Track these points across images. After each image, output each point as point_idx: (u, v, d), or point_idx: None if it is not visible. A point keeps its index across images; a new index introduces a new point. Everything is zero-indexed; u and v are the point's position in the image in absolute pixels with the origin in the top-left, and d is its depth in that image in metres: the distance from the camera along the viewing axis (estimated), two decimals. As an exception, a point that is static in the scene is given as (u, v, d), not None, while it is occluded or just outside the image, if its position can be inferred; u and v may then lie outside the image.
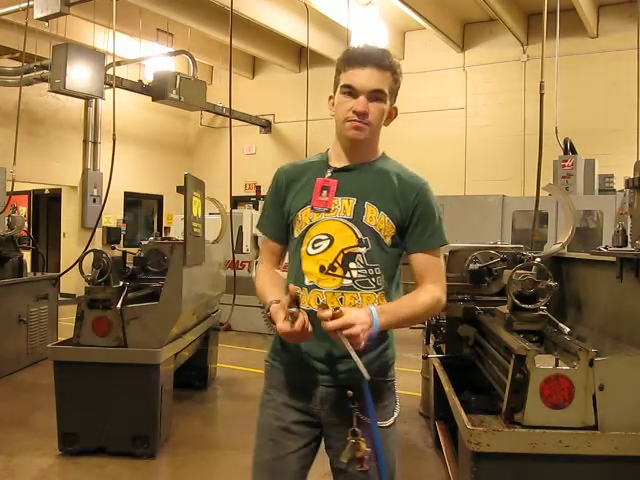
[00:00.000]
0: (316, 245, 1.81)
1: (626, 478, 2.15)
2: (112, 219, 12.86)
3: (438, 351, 3.66)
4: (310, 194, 1.84)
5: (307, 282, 1.81)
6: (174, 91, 10.92)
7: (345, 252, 1.79)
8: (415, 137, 12.34)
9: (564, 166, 8.44)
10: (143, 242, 5.26)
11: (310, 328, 1.66)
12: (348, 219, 1.80)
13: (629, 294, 2.70)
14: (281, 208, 1.91)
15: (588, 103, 10.65)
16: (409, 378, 6.17)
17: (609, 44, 10.57)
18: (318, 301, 1.77)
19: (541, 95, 4.50)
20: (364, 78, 1.75)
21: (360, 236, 1.79)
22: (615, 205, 7.68)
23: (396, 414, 1.89)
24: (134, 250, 5.13)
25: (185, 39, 11.63)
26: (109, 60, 10.23)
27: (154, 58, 11.77)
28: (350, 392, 1.78)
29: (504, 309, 2.73)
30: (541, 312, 2.58)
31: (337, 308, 1.64)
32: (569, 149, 8.62)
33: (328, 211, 1.81)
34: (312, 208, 1.83)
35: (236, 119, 12.30)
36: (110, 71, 9.85)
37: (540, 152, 4.34)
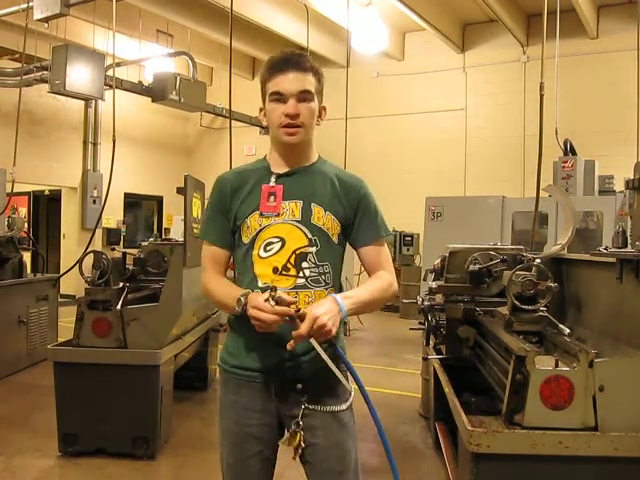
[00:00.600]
0: (268, 248, 1.87)
1: (626, 479, 2.15)
2: (112, 220, 12.87)
3: (438, 352, 3.66)
4: (257, 201, 1.89)
5: (260, 284, 1.85)
6: (174, 92, 10.92)
7: (297, 252, 1.86)
8: (415, 138, 12.36)
9: (564, 167, 8.43)
10: (143, 243, 5.27)
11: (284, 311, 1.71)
12: (297, 221, 1.87)
13: (629, 295, 2.70)
14: (226, 215, 1.94)
15: (588, 104, 10.66)
16: (409, 379, 6.17)
17: (609, 45, 10.57)
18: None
19: (541, 96, 4.51)
20: (289, 82, 1.83)
21: (310, 236, 1.87)
22: (615, 206, 7.66)
23: (349, 402, 1.93)
24: (134, 251, 5.14)
25: (185, 40, 11.63)
26: (109, 61, 10.23)
27: (154, 59, 11.77)
28: (299, 385, 1.86)
29: (504, 310, 2.73)
30: (541, 313, 2.58)
31: (298, 309, 1.72)
32: (569, 150, 8.62)
33: (277, 215, 1.87)
34: (261, 214, 1.87)
35: (236, 120, 12.28)
36: (110, 72, 9.84)
37: (540, 153, 4.34)
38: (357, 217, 1.94)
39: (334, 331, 1.72)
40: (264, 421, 1.89)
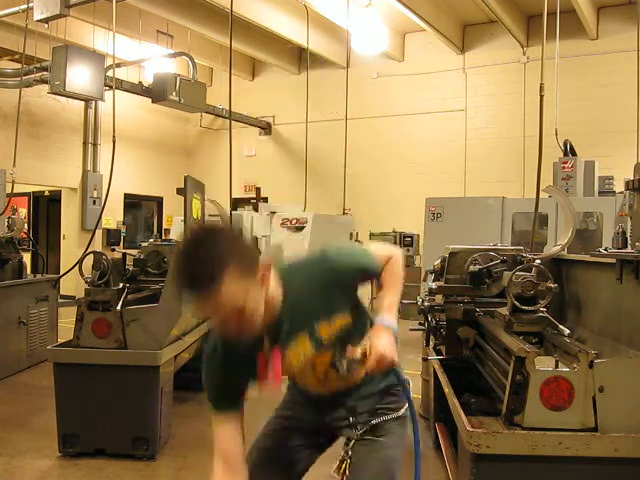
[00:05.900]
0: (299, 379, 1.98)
1: (626, 480, 2.15)
2: (112, 221, 12.87)
3: (438, 353, 3.66)
4: (254, 370, 1.82)
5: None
6: (174, 93, 10.93)
7: (330, 363, 1.86)
8: (415, 139, 12.36)
9: (564, 168, 8.42)
10: (143, 244, 5.26)
11: None
12: (315, 355, 1.83)
13: (629, 296, 2.70)
14: (231, 373, 1.85)
15: (588, 105, 10.66)
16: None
17: (609, 46, 10.58)
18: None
19: (541, 97, 4.51)
20: (206, 313, 1.64)
21: (333, 352, 1.83)
22: (615, 207, 7.66)
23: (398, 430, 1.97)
24: (134, 252, 5.13)
25: (185, 41, 11.64)
26: (109, 62, 10.23)
27: (154, 60, 11.78)
28: (352, 419, 1.91)
29: (504, 311, 2.73)
30: (541, 314, 2.58)
31: (365, 354, 1.76)
32: (569, 151, 8.61)
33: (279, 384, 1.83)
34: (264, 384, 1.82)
35: (236, 121, 12.29)
36: (110, 73, 9.84)
37: (540, 154, 4.34)
38: (353, 274, 1.85)
39: (396, 359, 1.77)
40: (318, 427, 2.00)
